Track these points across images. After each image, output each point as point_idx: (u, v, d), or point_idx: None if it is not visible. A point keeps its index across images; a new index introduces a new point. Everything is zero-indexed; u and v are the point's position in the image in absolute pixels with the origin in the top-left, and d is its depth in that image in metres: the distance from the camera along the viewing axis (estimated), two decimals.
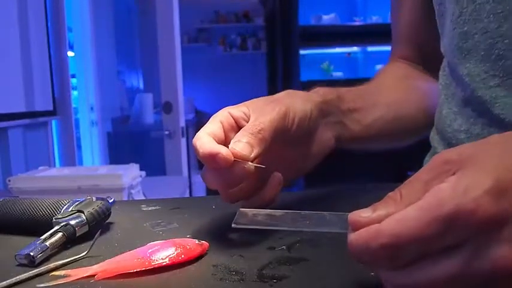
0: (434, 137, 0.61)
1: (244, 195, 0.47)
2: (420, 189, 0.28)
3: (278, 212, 0.36)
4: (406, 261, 0.27)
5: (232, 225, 0.35)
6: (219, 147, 0.42)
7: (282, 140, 0.47)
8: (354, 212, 0.30)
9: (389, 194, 0.30)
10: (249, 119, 0.47)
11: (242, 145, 0.43)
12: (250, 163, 0.43)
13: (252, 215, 0.36)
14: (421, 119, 0.64)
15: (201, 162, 0.44)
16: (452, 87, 0.55)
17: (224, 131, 0.46)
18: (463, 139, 0.53)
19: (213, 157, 0.41)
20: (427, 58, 0.68)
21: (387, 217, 0.28)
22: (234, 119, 0.47)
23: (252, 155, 0.43)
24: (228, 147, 0.43)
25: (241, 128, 0.46)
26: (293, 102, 0.48)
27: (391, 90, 0.64)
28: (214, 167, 0.43)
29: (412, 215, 0.27)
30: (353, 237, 0.28)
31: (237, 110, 0.47)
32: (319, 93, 0.53)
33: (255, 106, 0.48)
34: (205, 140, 0.43)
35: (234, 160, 0.42)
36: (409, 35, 0.71)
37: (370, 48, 3.91)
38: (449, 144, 0.56)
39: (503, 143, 0.30)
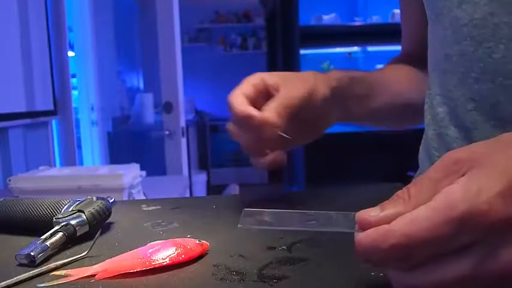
0: (421, 157, 0.61)
1: (261, 150, 0.53)
2: (429, 189, 0.28)
3: (284, 212, 0.36)
4: (416, 262, 0.27)
5: (238, 225, 0.35)
6: (253, 110, 0.49)
7: (300, 113, 0.53)
8: (361, 211, 0.29)
9: (398, 192, 0.29)
10: (278, 88, 0.53)
11: (273, 113, 0.50)
12: (277, 129, 0.50)
13: (258, 215, 0.36)
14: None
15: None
16: (436, 108, 0.55)
17: (255, 93, 0.52)
18: None
19: (247, 117, 0.49)
20: None
21: (396, 216, 0.27)
22: (265, 84, 0.53)
23: (279, 123, 0.50)
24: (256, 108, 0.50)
25: (270, 95, 0.53)
26: (317, 85, 0.55)
27: (402, 79, 0.68)
28: (245, 126, 0.51)
29: (423, 216, 0.26)
30: (361, 236, 0.28)
31: (270, 78, 0.54)
32: (335, 78, 0.59)
33: (287, 78, 0.54)
34: (241, 99, 0.51)
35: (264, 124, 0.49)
36: (415, 40, 0.72)
37: (370, 48, 3.91)
38: None
39: None
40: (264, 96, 0.53)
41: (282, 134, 0.51)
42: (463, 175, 0.28)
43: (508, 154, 0.28)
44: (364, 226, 0.28)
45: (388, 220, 0.28)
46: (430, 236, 0.26)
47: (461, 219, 0.26)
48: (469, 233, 0.26)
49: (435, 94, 0.56)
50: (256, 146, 0.53)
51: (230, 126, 0.53)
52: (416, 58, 0.71)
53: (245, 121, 0.50)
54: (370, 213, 0.29)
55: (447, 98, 0.52)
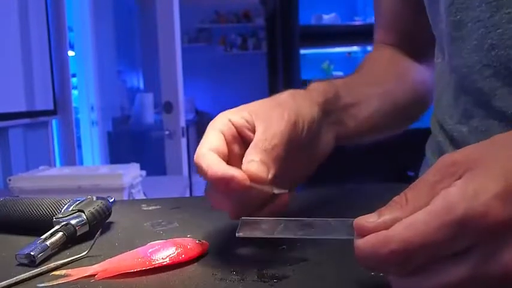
0: (434, 124, 0.60)
1: (252, 212, 0.42)
2: (426, 193, 0.28)
3: (282, 220, 0.36)
4: (416, 267, 0.27)
5: (236, 234, 0.35)
6: (232, 170, 0.37)
7: (290, 148, 0.43)
8: (359, 217, 0.29)
9: (395, 198, 0.29)
10: (252, 127, 0.42)
11: (257, 165, 0.38)
12: (268, 186, 0.39)
13: (256, 224, 0.36)
14: (415, 107, 0.64)
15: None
16: (447, 75, 0.54)
17: (226, 144, 0.41)
18: (465, 132, 0.51)
19: (226, 182, 0.37)
20: (411, 44, 0.67)
21: (394, 222, 0.27)
22: (235, 127, 0.42)
23: (270, 176, 0.39)
24: (231, 162, 0.39)
25: (244, 137, 0.42)
26: (300, 107, 0.45)
27: (383, 80, 0.63)
28: (226, 192, 0.38)
29: (421, 220, 0.26)
30: (360, 243, 0.28)
31: (238, 117, 0.42)
32: (319, 92, 0.50)
33: (259, 112, 0.43)
34: (212, 159, 0.38)
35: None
36: (392, 22, 0.70)
37: (370, 48, 3.90)
38: (449, 136, 0.55)
39: (509, 142, 0.30)
40: (238, 142, 0.42)
41: (277, 191, 0.39)
42: (459, 177, 0.27)
43: (504, 155, 0.28)
44: (363, 232, 0.28)
45: (386, 226, 0.28)
46: (428, 240, 0.26)
47: (459, 222, 0.26)
48: (468, 236, 0.26)
49: (444, 63, 0.54)
50: (247, 210, 0.41)
51: (207, 193, 0.41)
52: (397, 45, 0.69)
53: (225, 187, 0.37)
54: (368, 219, 0.29)
55: (459, 66, 0.50)
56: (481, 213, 0.25)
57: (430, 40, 0.59)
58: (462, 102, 0.52)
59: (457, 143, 0.53)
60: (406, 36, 0.68)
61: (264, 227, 0.36)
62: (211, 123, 0.43)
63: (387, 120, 0.60)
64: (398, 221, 0.27)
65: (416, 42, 0.65)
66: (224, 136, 0.41)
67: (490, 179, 0.26)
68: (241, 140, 0.42)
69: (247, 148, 0.41)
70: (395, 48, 0.69)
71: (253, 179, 0.38)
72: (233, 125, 0.42)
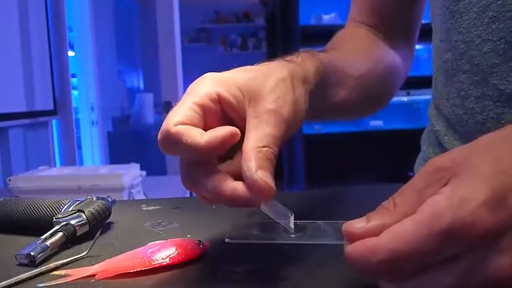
0: (432, 112, 0.59)
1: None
2: (414, 199, 0.28)
3: (273, 223, 0.35)
4: (405, 274, 0.27)
5: (226, 239, 0.35)
6: (235, 184, 0.33)
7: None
8: (347, 222, 0.29)
9: (383, 203, 0.29)
10: (241, 108, 0.37)
11: (267, 176, 0.33)
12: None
13: (246, 227, 0.36)
14: (385, 93, 0.64)
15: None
16: (444, 56, 0.53)
17: (204, 118, 0.36)
18: (461, 115, 0.51)
19: (231, 198, 0.33)
20: (387, 28, 0.66)
21: (382, 228, 0.27)
22: (221, 103, 0.37)
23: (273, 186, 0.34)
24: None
25: (227, 112, 0.38)
26: (299, 100, 0.40)
27: (361, 63, 0.59)
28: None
29: (408, 230, 0.26)
30: (350, 250, 0.28)
31: (228, 94, 0.37)
32: (312, 74, 0.44)
33: (254, 88, 0.38)
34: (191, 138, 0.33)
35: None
36: (372, 5, 0.68)
37: None
38: (447, 119, 0.54)
39: (494, 144, 0.30)
40: (217, 115, 0.37)
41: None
42: (446, 183, 0.27)
43: (490, 156, 0.28)
44: (351, 238, 0.28)
45: (375, 231, 0.27)
46: (416, 250, 0.26)
47: (446, 231, 0.25)
48: (455, 244, 0.26)
49: (440, 41, 0.53)
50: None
51: (186, 180, 0.37)
52: (374, 27, 0.67)
53: (228, 201, 0.34)
54: (356, 225, 0.28)
55: (457, 41, 0.49)
56: (468, 222, 0.25)
57: (406, 27, 0.60)
58: (458, 82, 0.51)
59: (454, 127, 0.53)
60: (384, 21, 0.66)
61: (255, 232, 0.35)
62: (196, 85, 0.38)
63: (358, 103, 0.57)
64: (386, 227, 0.27)
65: (393, 28, 0.64)
66: (204, 111, 0.36)
67: (477, 185, 0.26)
68: (221, 114, 0.38)
69: (224, 119, 0.37)
70: (370, 30, 0.67)
71: (262, 192, 0.33)
72: (220, 100, 0.37)
